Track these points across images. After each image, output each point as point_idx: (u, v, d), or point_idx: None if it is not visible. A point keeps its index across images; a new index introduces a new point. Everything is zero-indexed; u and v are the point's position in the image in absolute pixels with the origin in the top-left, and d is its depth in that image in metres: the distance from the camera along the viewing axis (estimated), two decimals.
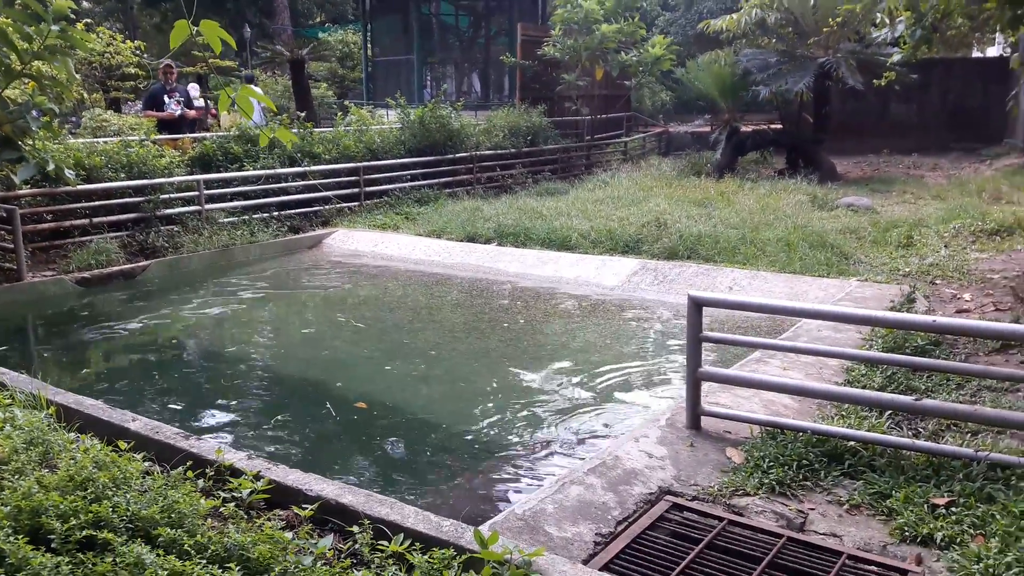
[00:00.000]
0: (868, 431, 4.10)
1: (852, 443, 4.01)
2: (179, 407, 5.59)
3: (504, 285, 9.11)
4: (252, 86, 13.92)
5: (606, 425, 5.13)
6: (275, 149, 12.31)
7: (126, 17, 42.72)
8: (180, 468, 3.31)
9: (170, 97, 12.72)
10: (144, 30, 42.29)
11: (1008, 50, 19.81)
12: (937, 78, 20.57)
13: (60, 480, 2.91)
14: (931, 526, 3.33)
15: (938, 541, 3.26)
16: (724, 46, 18.16)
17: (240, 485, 3.23)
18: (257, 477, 3.29)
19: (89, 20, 17.80)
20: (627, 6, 17.86)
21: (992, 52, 24.15)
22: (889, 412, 4.39)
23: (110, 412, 4.07)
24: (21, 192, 8.79)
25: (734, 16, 16.43)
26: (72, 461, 3.09)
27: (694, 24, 23.72)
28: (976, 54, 24.49)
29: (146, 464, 3.47)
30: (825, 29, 14.57)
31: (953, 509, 3.45)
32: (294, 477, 3.37)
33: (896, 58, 9.27)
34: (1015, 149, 18.21)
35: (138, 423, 3.93)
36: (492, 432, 5.11)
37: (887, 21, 8.50)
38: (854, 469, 3.87)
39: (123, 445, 3.64)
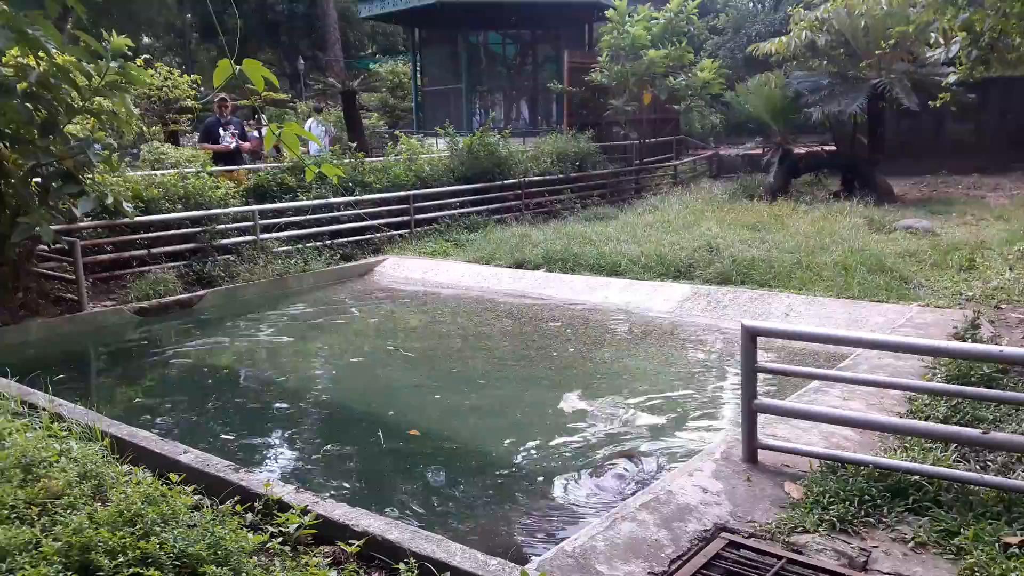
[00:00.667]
0: (933, 465, 3.93)
1: (916, 477, 3.85)
2: (232, 436, 5.63)
3: (553, 312, 9.06)
4: (316, 117, 14.42)
5: (658, 458, 5.02)
6: (327, 179, 12.51)
7: (184, 52, 44.08)
8: (229, 502, 3.31)
9: (225, 130, 13.01)
10: (201, 64, 43.57)
11: None
12: (995, 97, 20.04)
13: (110, 515, 2.93)
14: (1003, 567, 3.16)
15: None
16: (774, 69, 17.97)
17: (287, 520, 3.22)
18: (304, 512, 3.28)
19: (148, 56, 18.34)
20: (674, 31, 17.79)
21: None
22: (955, 444, 4.21)
23: (162, 444, 4.10)
24: (82, 225, 9.02)
25: (783, 39, 16.24)
26: (123, 496, 3.11)
27: (743, 47, 23.55)
28: None
29: (196, 498, 3.48)
30: (878, 52, 14.30)
31: None
32: (341, 512, 3.34)
33: (952, 78, 9.04)
34: None
35: (189, 455, 3.96)
36: (541, 464, 5.03)
37: (941, 41, 8.30)
38: (919, 505, 3.71)
39: (174, 478, 3.67)
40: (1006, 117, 20.64)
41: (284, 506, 3.41)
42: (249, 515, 3.40)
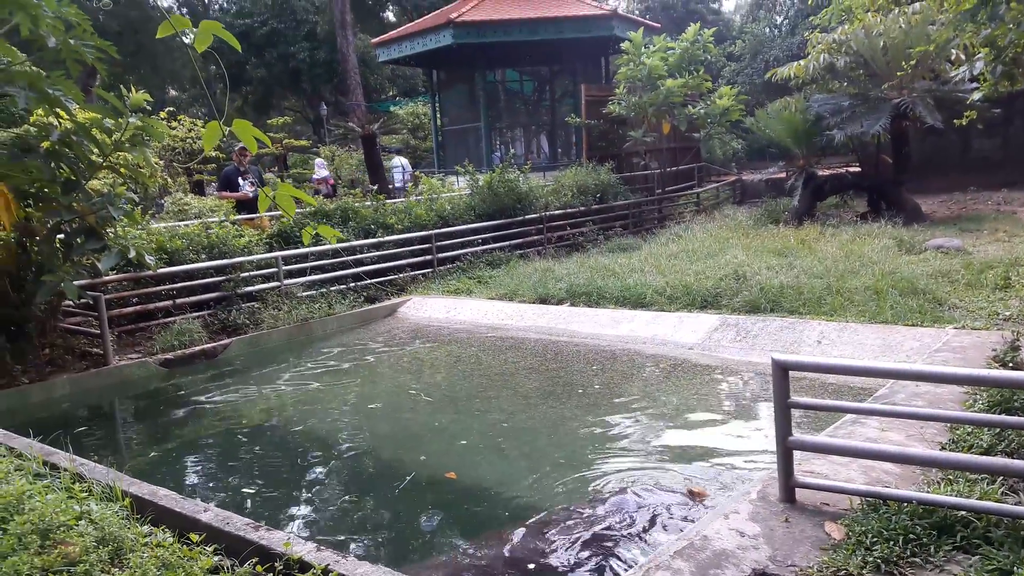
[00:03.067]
0: (980, 499, 3.74)
1: (963, 513, 3.66)
2: (257, 490, 5.55)
3: (578, 347, 8.93)
4: (320, 162, 14.68)
5: (689, 503, 4.86)
6: (349, 223, 12.55)
7: (210, 102, 44.90)
8: (248, 563, 3.22)
9: (244, 178, 13.12)
10: (228, 115, 44.36)
11: None
12: (1020, 110, 19.78)
13: None
14: None
15: None
16: (793, 92, 17.90)
17: None
18: (325, 572, 3.17)
19: (172, 108, 18.66)
20: (691, 60, 17.81)
21: None
22: (1002, 476, 4.02)
23: (182, 503, 4.03)
24: (107, 279, 9.08)
25: (801, 63, 16.19)
26: (140, 562, 3.03)
27: (760, 73, 23.54)
28: None
29: (216, 559, 3.39)
30: (900, 74, 14.15)
31: None
32: (363, 571, 3.23)
33: (977, 95, 8.87)
34: None
35: (209, 514, 3.87)
36: (570, 510, 4.88)
37: (963, 58, 8.17)
38: (967, 542, 3.52)
39: (194, 538, 3.59)
40: None
41: (305, 566, 3.31)
42: None
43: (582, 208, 15.85)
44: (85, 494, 4.07)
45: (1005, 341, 6.36)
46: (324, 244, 11.65)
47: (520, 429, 6.58)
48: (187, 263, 9.97)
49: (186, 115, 19.81)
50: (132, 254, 8.19)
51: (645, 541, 4.34)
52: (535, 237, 14.88)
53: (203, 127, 17.79)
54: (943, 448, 4.57)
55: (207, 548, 3.51)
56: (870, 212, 15.97)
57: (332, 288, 11.50)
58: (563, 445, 6.10)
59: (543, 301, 10.71)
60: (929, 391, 5.57)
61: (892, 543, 3.53)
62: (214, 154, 19.42)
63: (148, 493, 4.19)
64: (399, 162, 21.41)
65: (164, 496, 4.16)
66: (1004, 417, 4.21)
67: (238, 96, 41.56)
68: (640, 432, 6.17)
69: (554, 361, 8.52)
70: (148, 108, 8.22)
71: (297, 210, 12.91)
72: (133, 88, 8.45)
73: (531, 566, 4.17)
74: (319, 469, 6.02)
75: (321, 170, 18.87)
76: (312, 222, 11.49)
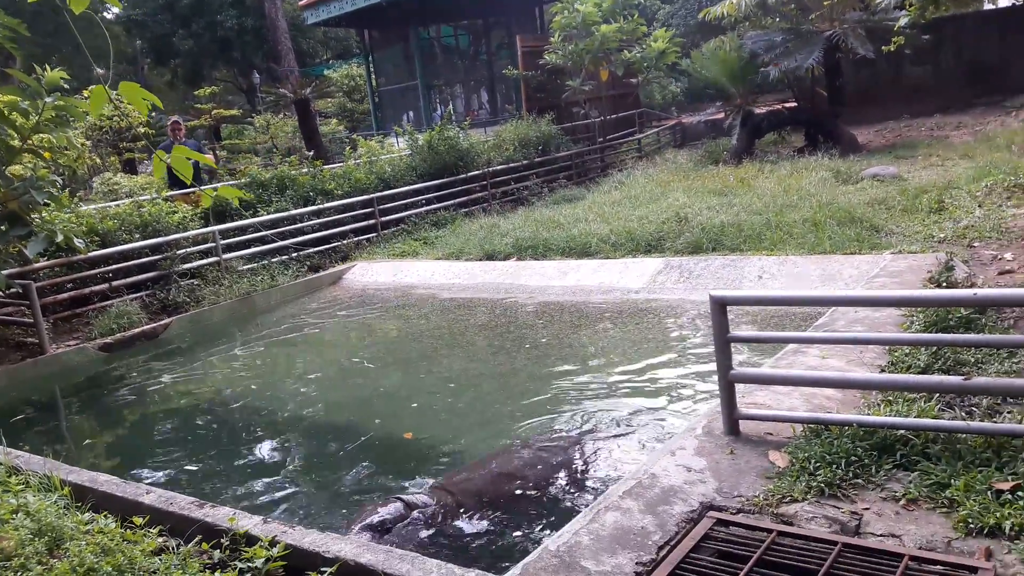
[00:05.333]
0: (918, 417, 3.82)
1: (902, 432, 3.74)
2: (206, 467, 5.47)
3: (527, 300, 8.92)
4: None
5: (640, 439, 4.90)
6: (287, 191, 12.30)
7: (137, 78, 43.46)
8: (194, 542, 3.16)
9: None
10: (157, 88, 43.01)
11: (1020, 0, 19.23)
12: (950, 35, 20.01)
13: (62, 574, 2.77)
14: (997, 515, 3.05)
15: (1007, 531, 2.98)
16: (727, 31, 17.88)
17: (255, 554, 3.07)
18: (272, 543, 3.12)
19: (95, 87, 17.97)
20: (625, 4, 17.68)
21: (1004, 2, 23.48)
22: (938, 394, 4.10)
23: (124, 487, 3.94)
24: (38, 265, 8.79)
25: (733, 1, 16.15)
26: (77, 551, 2.95)
27: (694, 13, 23.46)
28: (988, 6, 23.81)
29: (160, 540, 3.32)
30: (827, 3, 14.21)
31: (1019, 493, 3.16)
32: (311, 539, 3.19)
33: (904, 21, 8.96)
34: None
35: (152, 496, 3.79)
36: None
37: None
38: (907, 460, 3.60)
39: (138, 521, 3.51)
40: (962, 55, 20.63)
41: (252, 539, 3.26)
42: (217, 552, 3.25)
43: (525, 162, 15.74)
44: (21, 487, 3.95)
45: (939, 262, 6.50)
46: (264, 216, 11.42)
47: (472, 386, 6.57)
48: (120, 244, 9.67)
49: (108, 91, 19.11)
50: (60, 238, 7.90)
51: (596, 480, 4.37)
52: (479, 194, 14.75)
53: (129, 103, 17.30)
54: (882, 370, 4.65)
55: (151, 530, 3.43)
56: (807, 146, 16.12)
57: (274, 259, 11.28)
58: (514, 397, 6.11)
59: (490, 257, 10.65)
60: (868, 316, 5.66)
61: (835, 467, 3.59)
62: (143, 130, 18.86)
63: (88, 480, 4.09)
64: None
65: (105, 482, 4.06)
66: (938, 335, 4.30)
67: (167, 70, 40.26)
68: (589, 378, 6.20)
69: (503, 316, 8.50)
70: (66, 87, 7.87)
71: (231, 181, 12.65)
72: (48, 68, 8.09)
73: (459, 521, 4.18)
74: (271, 443, 5.93)
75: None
76: (245, 191, 11.26)
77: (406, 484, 4.72)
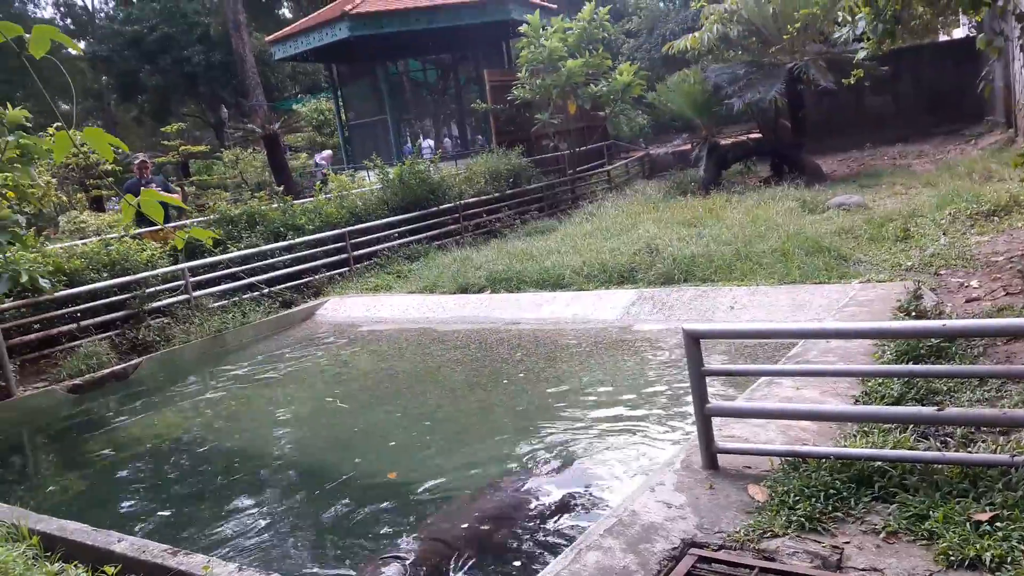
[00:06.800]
0: (894, 448, 3.86)
1: (879, 463, 3.77)
2: (179, 512, 5.35)
3: (502, 334, 8.91)
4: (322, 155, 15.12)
5: (619, 474, 4.89)
6: (257, 227, 12.23)
7: (105, 114, 43.18)
8: None
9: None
10: (124, 124, 42.73)
11: (973, 31, 19.80)
12: (908, 66, 20.56)
13: None
14: (977, 546, 3.07)
15: (987, 563, 3.00)
16: (691, 65, 18.17)
17: None
18: None
19: (60, 124, 17.82)
20: (590, 39, 17.88)
21: (959, 33, 24.18)
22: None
23: (94, 535, 3.85)
24: (3, 306, 8.64)
25: (696, 34, 16.44)
26: None
27: (658, 47, 23.82)
28: (943, 37, 24.50)
29: None
30: (786, 37, 14.53)
31: (998, 524, 3.19)
32: None
33: (862, 54, 9.17)
34: (998, 125, 18.06)
35: (124, 544, 3.71)
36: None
37: (848, 19, 8.39)
38: (885, 492, 3.62)
39: (109, 570, 3.42)
40: (921, 85, 21.16)
41: None
42: None
43: (496, 194, 15.80)
44: None
45: (907, 291, 6.59)
46: (234, 252, 11.33)
47: (449, 423, 6.52)
48: (88, 283, 9.53)
49: (79, 129, 18.94)
50: (25, 279, 7.78)
51: (578, 517, 4.35)
52: (452, 227, 14.77)
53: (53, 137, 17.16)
54: (856, 401, 4.70)
55: None
56: (773, 176, 16.37)
57: (245, 296, 11.18)
58: (492, 433, 6.07)
59: (464, 291, 10.64)
60: (840, 345, 5.72)
61: (814, 500, 3.61)
62: (111, 167, 18.67)
63: (57, 529, 3.99)
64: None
65: (75, 530, 3.96)
66: (910, 367, 4.35)
67: (134, 106, 40.03)
68: (567, 413, 6.18)
69: (479, 351, 8.48)
70: (29, 125, 7.78)
71: (200, 218, 12.55)
72: (9, 106, 8.00)
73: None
74: (246, 486, 5.83)
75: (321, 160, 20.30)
76: (214, 229, 11.17)
77: (389, 530, 4.66)
